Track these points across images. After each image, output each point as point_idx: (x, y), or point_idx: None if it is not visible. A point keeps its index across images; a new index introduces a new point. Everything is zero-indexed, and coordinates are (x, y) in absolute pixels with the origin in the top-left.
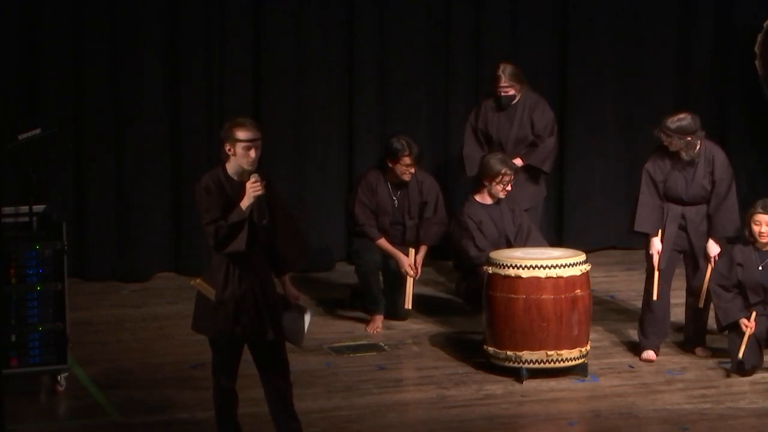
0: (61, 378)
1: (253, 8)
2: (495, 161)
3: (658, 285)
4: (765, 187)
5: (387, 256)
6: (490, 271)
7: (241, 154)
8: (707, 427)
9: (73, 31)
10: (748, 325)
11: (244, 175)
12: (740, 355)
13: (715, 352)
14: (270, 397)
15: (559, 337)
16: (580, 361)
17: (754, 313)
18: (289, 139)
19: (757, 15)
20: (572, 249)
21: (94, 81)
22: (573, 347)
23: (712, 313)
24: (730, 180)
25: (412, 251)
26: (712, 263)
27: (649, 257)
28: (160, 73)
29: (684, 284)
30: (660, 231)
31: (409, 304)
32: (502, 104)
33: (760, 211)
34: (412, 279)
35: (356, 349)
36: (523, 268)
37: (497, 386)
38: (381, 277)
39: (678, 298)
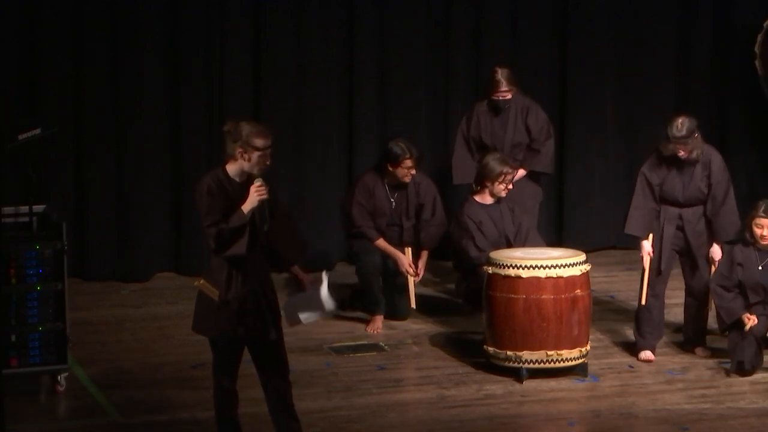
0: (61, 378)
1: (253, 8)
2: (495, 162)
3: (647, 289)
4: (765, 187)
5: (386, 257)
6: (490, 271)
7: (255, 161)
8: (707, 427)
9: (73, 31)
10: (750, 321)
11: (242, 177)
12: (747, 328)
13: (715, 352)
14: (270, 397)
15: (559, 337)
16: (580, 361)
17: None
18: (289, 139)
19: (757, 15)
20: (572, 249)
21: (94, 81)
22: (573, 347)
23: (711, 313)
24: (727, 183)
25: (408, 250)
26: (716, 265)
27: (641, 259)
28: (160, 73)
29: (682, 284)
30: (650, 234)
31: (413, 304)
32: (500, 108)
33: (762, 214)
34: (412, 278)
35: (356, 349)
36: (523, 268)
37: (497, 386)
38: (381, 278)
39: (676, 298)
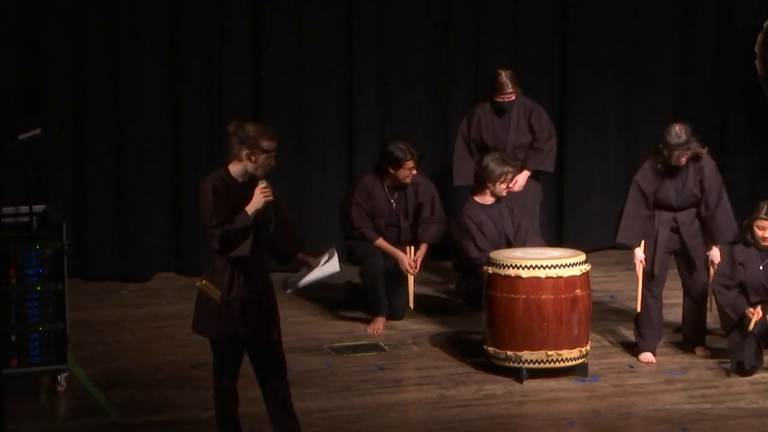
0: (61, 378)
1: (253, 8)
2: (495, 163)
3: (642, 296)
4: (765, 187)
5: (386, 257)
6: (490, 271)
7: (261, 162)
8: (707, 427)
9: (73, 31)
10: (754, 314)
11: (244, 177)
12: (751, 327)
13: (715, 352)
14: (269, 397)
15: (559, 337)
16: (580, 361)
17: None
18: (289, 139)
19: (757, 15)
20: (572, 249)
21: (94, 81)
22: (573, 347)
23: (711, 314)
24: (720, 187)
25: (410, 249)
26: (715, 268)
27: (634, 267)
28: (160, 73)
29: (679, 284)
30: (643, 242)
31: (411, 303)
32: (503, 109)
33: (764, 216)
34: (412, 277)
35: (356, 349)
36: (523, 268)
37: (497, 386)
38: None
39: (675, 298)
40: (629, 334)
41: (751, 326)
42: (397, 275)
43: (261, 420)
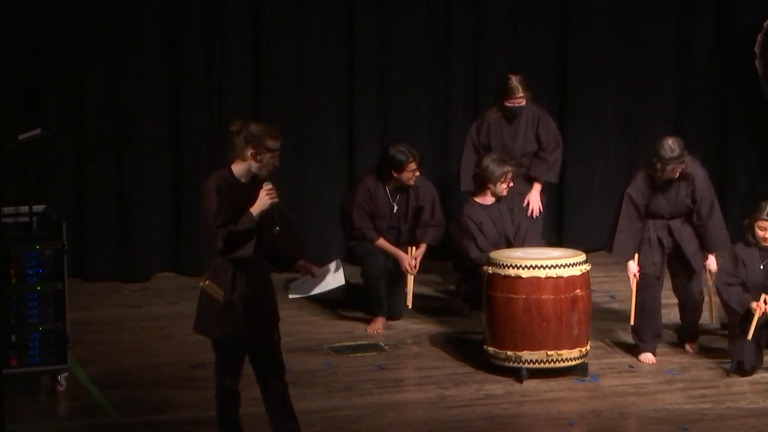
0: (61, 378)
1: (253, 8)
2: (495, 164)
3: (635, 308)
4: (765, 187)
5: (386, 257)
6: (490, 271)
7: (266, 162)
8: (707, 427)
9: (73, 31)
10: (758, 308)
11: (247, 177)
12: (749, 336)
13: (715, 352)
14: (269, 397)
15: (559, 337)
16: (580, 361)
17: (763, 296)
18: (289, 139)
19: (757, 15)
20: (572, 249)
21: (94, 81)
22: (573, 347)
23: (706, 314)
24: (712, 198)
25: (411, 249)
26: (712, 277)
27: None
28: (160, 73)
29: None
30: (636, 255)
31: (410, 303)
32: (513, 115)
33: (766, 217)
34: (412, 277)
35: (356, 349)
36: (523, 268)
37: (497, 386)
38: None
39: (674, 298)
40: (629, 334)
41: (754, 322)
42: (398, 275)
43: (261, 420)
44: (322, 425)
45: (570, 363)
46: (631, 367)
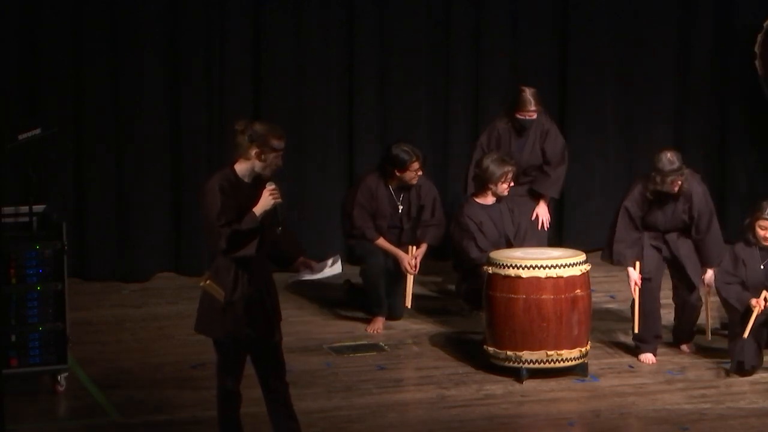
0: (61, 378)
1: (253, 8)
2: (495, 165)
3: (639, 315)
4: (765, 187)
5: (386, 256)
6: (490, 271)
7: (270, 161)
8: (707, 427)
9: (73, 31)
10: (757, 305)
11: (250, 177)
12: (745, 335)
13: (715, 352)
14: (269, 397)
15: (559, 337)
16: (580, 361)
17: (764, 293)
18: (289, 139)
19: (757, 15)
20: (572, 249)
21: (94, 81)
22: (573, 347)
23: (703, 315)
24: (710, 214)
25: (411, 249)
26: (709, 293)
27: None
28: (160, 73)
29: (671, 284)
30: (638, 262)
31: (409, 303)
32: (524, 127)
33: (767, 217)
34: (412, 277)
35: (356, 349)
36: (523, 268)
37: (497, 386)
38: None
39: (669, 299)
40: (629, 334)
41: (752, 319)
42: (398, 275)
43: (262, 420)
44: (322, 425)
45: (570, 363)
46: (631, 367)
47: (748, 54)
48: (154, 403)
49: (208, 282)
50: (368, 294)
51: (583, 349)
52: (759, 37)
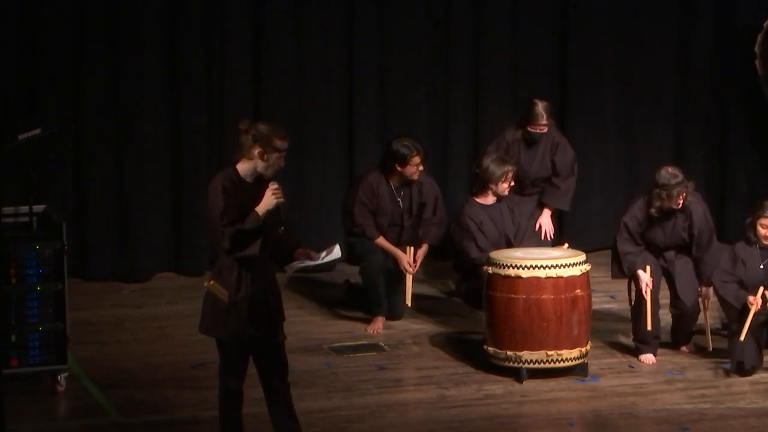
0: (61, 378)
1: (253, 8)
2: (495, 165)
3: (652, 312)
4: (765, 187)
5: (385, 255)
6: (490, 271)
7: (273, 162)
8: (707, 427)
9: (73, 31)
10: (754, 302)
11: (252, 177)
12: (742, 337)
13: (715, 352)
14: (271, 398)
15: (559, 337)
16: (580, 361)
17: (761, 289)
18: (290, 139)
19: (757, 15)
20: (572, 249)
21: (94, 81)
22: (573, 347)
23: (703, 314)
24: (711, 232)
25: (410, 248)
26: (708, 308)
27: (639, 289)
28: (160, 73)
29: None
30: (649, 267)
31: (409, 302)
32: (535, 140)
33: None
34: (411, 276)
35: (356, 349)
36: (523, 268)
37: (497, 386)
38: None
39: (668, 299)
40: (629, 334)
41: (749, 317)
42: (397, 274)
43: (262, 420)
44: (322, 425)
45: (570, 363)
46: (631, 367)
47: (748, 54)
48: (154, 403)
49: (211, 282)
50: (368, 292)
51: (583, 349)
52: (759, 37)
